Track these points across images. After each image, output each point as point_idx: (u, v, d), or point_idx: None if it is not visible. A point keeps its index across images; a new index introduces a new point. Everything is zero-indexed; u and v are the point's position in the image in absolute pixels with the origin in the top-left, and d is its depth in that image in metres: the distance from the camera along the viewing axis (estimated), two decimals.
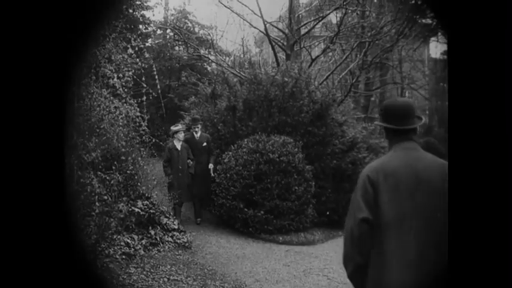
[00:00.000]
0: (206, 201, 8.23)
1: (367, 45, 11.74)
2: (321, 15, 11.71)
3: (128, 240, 5.43)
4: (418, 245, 2.07)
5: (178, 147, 7.92)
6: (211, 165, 8.06)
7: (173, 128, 8.24)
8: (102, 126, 5.11)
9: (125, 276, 4.60)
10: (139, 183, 6.16)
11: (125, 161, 5.72)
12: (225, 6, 11.53)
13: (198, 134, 8.24)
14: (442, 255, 2.03)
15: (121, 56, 5.60)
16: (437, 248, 2.06)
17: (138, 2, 12.57)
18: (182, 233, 6.49)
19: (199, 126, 8.35)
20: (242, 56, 14.00)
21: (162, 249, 5.84)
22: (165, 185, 10.21)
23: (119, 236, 5.23)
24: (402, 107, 2.37)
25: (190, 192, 7.91)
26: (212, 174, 8.00)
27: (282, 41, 12.28)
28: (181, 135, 8.00)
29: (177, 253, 5.93)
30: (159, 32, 16.31)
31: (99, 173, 4.92)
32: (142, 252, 5.46)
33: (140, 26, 14.12)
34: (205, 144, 8.17)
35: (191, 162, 7.96)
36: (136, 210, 5.87)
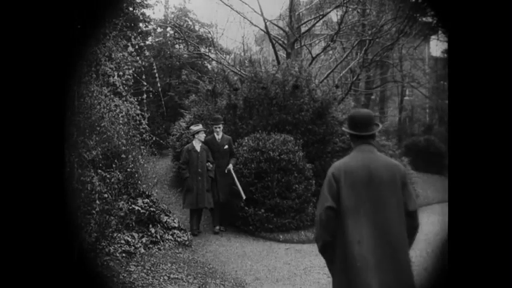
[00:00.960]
0: (228, 208, 7.64)
1: (367, 44, 11.73)
2: (322, 13, 11.69)
3: (128, 239, 5.44)
4: (369, 225, 2.68)
5: (198, 148, 7.36)
6: (230, 166, 7.42)
7: (193, 128, 7.63)
8: (102, 125, 5.10)
9: (125, 275, 4.60)
10: (139, 182, 6.17)
11: (125, 159, 5.71)
12: (225, 4, 11.51)
13: (220, 135, 7.60)
14: (388, 232, 2.68)
15: (121, 54, 5.59)
16: (384, 227, 2.68)
17: (138, 0, 12.58)
18: (182, 231, 6.50)
19: (221, 126, 7.67)
20: (242, 54, 13.99)
21: (162, 248, 5.85)
22: (166, 183, 10.22)
23: (119, 234, 5.24)
24: (363, 117, 2.93)
25: (209, 197, 7.32)
26: (233, 176, 7.36)
27: (282, 39, 12.27)
28: (202, 136, 7.45)
29: (177, 251, 5.93)
30: (159, 30, 16.32)
31: (100, 171, 4.92)
32: (142, 250, 5.46)
33: (140, 24, 14.12)
34: (226, 146, 7.55)
35: (211, 166, 7.36)
36: (137, 208, 5.88)
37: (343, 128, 3.28)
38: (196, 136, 7.44)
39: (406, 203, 2.73)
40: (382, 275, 2.59)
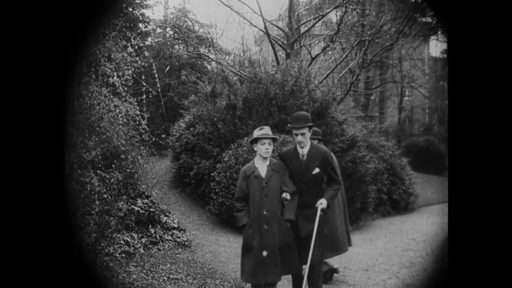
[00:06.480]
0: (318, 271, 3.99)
1: (367, 44, 11.76)
2: (321, 13, 11.72)
3: (128, 239, 5.43)
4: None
5: (263, 172, 3.94)
6: (323, 202, 3.87)
7: (256, 132, 4.03)
8: (101, 125, 5.10)
9: (125, 275, 4.60)
10: (139, 182, 6.16)
11: (125, 159, 5.71)
12: (225, 5, 11.53)
13: (306, 148, 4.00)
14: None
15: (121, 54, 5.60)
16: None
17: (137, 1, 12.56)
18: (182, 231, 6.49)
19: (310, 128, 3.99)
20: (242, 54, 13.99)
21: (162, 248, 5.84)
22: (165, 183, 10.12)
23: (118, 235, 5.23)
24: (316, 131, 4.95)
25: (293, 260, 3.89)
26: (316, 221, 3.80)
27: (281, 40, 12.28)
28: (263, 149, 3.94)
29: (177, 252, 5.93)
30: (158, 30, 16.30)
31: (99, 171, 4.92)
32: (142, 250, 5.46)
33: (140, 25, 14.10)
34: (317, 170, 3.95)
35: (289, 198, 3.90)
36: (136, 208, 5.86)
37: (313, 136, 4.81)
38: (255, 148, 4.05)
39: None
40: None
